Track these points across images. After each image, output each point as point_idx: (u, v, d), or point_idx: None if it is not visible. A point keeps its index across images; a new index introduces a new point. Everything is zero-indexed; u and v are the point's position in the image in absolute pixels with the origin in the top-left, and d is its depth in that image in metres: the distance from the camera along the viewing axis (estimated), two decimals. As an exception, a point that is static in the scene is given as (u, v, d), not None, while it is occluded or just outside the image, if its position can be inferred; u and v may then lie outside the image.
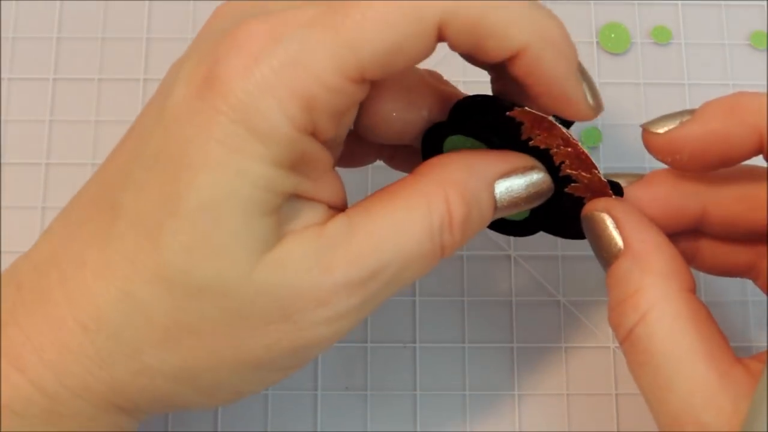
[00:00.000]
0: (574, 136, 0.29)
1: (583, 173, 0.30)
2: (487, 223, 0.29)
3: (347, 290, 0.27)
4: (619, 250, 0.28)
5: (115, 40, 0.41)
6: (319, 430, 0.36)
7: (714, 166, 0.29)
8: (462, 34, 0.26)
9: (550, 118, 0.29)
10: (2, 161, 0.39)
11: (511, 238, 0.38)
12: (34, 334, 0.27)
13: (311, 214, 0.27)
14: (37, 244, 0.29)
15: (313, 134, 0.26)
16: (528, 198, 0.30)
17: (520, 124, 0.29)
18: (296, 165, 0.26)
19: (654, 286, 0.27)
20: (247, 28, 0.26)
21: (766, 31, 0.41)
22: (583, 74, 0.29)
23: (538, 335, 0.37)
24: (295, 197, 0.27)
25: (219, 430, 0.36)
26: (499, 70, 0.29)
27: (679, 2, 0.42)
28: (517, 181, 0.29)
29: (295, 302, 0.26)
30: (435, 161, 0.29)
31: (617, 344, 0.37)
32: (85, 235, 0.27)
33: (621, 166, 0.39)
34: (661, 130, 0.28)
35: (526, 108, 0.29)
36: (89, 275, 0.27)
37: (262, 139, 0.25)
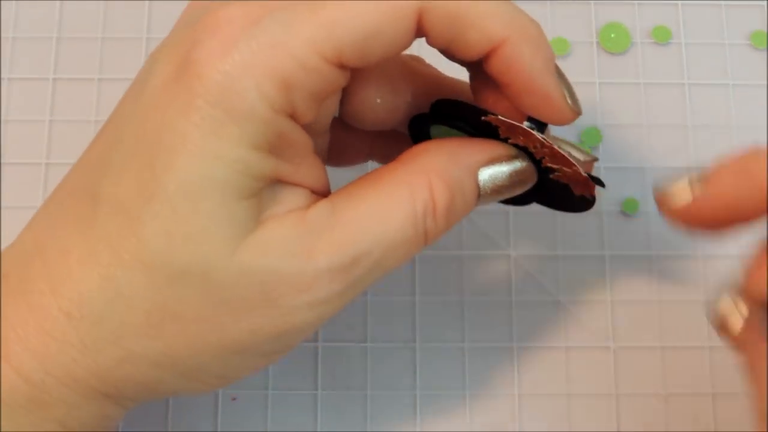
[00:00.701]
0: (549, 140, 0.29)
1: (564, 168, 0.30)
2: (471, 210, 0.29)
3: (329, 276, 0.27)
4: None
5: (115, 40, 0.41)
6: (319, 430, 0.36)
7: (721, 227, 0.27)
8: (441, 25, 0.26)
9: (525, 124, 0.29)
10: (2, 161, 0.39)
11: (511, 238, 0.38)
12: (18, 323, 0.27)
13: (293, 198, 0.27)
14: (21, 234, 0.29)
15: (292, 116, 0.26)
16: (511, 186, 0.29)
17: (496, 127, 0.29)
18: (275, 148, 0.26)
19: None
20: (225, 12, 0.26)
21: (766, 31, 0.41)
22: (561, 76, 0.29)
23: (538, 335, 0.37)
24: (276, 181, 0.27)
25: (219, 430, 0.36)
26: (476, 68, 0.29)
27: (679, 2, 0.42)
28: (500, 169, 0.29)
29: (277, 287, 0.27)
30: (419, 149, 0.29)
31: (617, 344, 0.37)
32: (68, 224, 0.27)
33: (621, 166, 0.39)
34: (678, 200, 0.27)
35: (500, 116, 0.29)
36: (73, 263, 0.27)
37: (239, 121, 0.25)
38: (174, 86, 0.26)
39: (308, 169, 0.28)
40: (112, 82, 0.40)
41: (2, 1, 0.41)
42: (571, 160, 0.29)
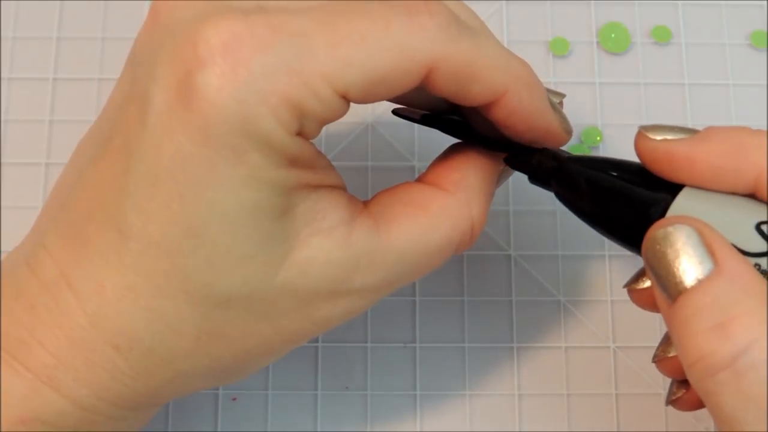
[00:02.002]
0: None
1: None
2: None
3: (360, 294, 0.28)
4: (710, 269, 0.26)
5: (114, 40, 0.41)
6: (319, 430, 0.36)
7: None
8: (449, 79, 0.27)
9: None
10: (2, 161, 0.39)
11: (511, 238, 0.38)
12: (64, 356, 0.27)
13: (331, 210, 0.28)
14: (38, 255, 0.28)
15: (300, 134, 0.26)
16: (507, 178, 0.33)
17: None
18: (293, 163, 0.26)
19: (760, 309, 0.25)
20: (228, 29, 0.25)
21: (766, 31, 0.41)
22: (554, 107, 0.30)
23: (538, 335, 0.37)
24: (308, 189, 0.27)
25: (219, 430, 0.36)
26: (469, 109, 0.30)
27: (679, 2, 0.42)
28: (506, 169, 0.32)
29: (312, 302, 0.28)
30: (457, 176, 0.30)
31: (617, 344, 0.37)
32: (94, 256, 0.27)
33: (621, 166, 0.39)
34: (658, 137, 0.28)
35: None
36: (111, 297, 0.27)
37: (260, 147, 0.25)
38: (183, 112, 0.25)
39: (324, 170, 0.28)
40: (112, 82, 0.40)
41: (2, 1, 0.41)
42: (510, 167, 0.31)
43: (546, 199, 0.38)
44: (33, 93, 0.40)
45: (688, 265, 0.26)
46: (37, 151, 0.39)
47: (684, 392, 0.29)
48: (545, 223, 0.38)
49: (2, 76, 0.40)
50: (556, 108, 0.30)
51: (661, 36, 0.41)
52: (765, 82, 0.40)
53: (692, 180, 0.27)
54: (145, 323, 0.27)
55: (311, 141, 0.27)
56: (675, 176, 0.28)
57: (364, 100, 0.27)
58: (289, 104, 0.25)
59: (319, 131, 0.27)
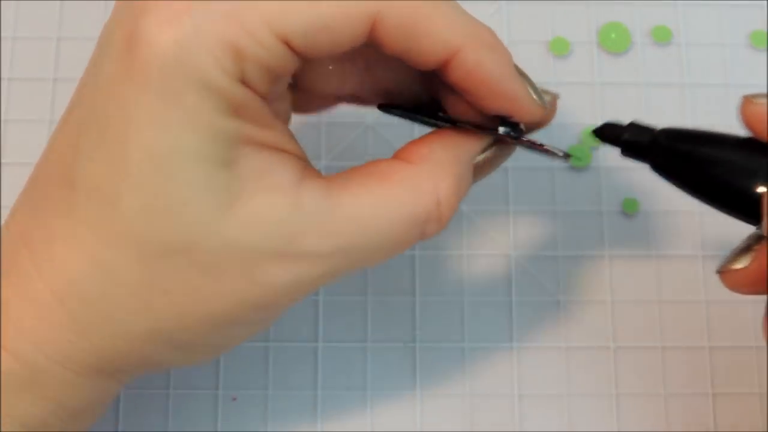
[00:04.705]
0: (526, 139, 0.30)
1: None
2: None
3: (311, 260, 0.27)
4: None
5: (115, 40, 0.41)
6: (319, 430, 0.36)
7: None
8: (395, 32, 0.27)
9: (501, 130, 0.30)
10: (2, 161, 0.39)
11: (511, 238, 0.38)
12: (12, 308, 0.27)
13: (281, 168, 0.27)
14: (5, 224, 0.29)
15: (245, 84, 0.26)
16: (496, 165, 0.31)
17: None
18: (236, 111, 0.26)
19: None
20: None
21: (766, 31, 0.41)
22: (522, 74, 0.29)
23: (538, 335, 0.37)
24: (257, 146, 0.27)
25: (219, 430, 0.36)
26: (430, 79, 0.29)
27: (679, 2, 0.42)
28: (489, 153, 0.30)
29: (257, 262, 0.27)
30: (424, 150, 0.29)
31: (617, 344, 0.37)
32: (48, 211, 0.28)
33: (621, 166, 0.39)
34: (737, 266, 0.28)
35: (460, 122, 0.30)
36: (58, 247, 0.27)
37: (198, 89, 0.25)
38: (127, 59, 0.26)
39: (277, 133, 0.28)
40: (112, 82, 0.40)
41: (2, 1, 0.41)
42: (547, 147, 0.31)
43: (546, 199, 0.39)
44: (33, 93, 0.40)
45: None
46: (37, 151, 0.39)
47: (749, 263, 0.28)
48: (545, 223, 0.38)
49: (2, 76, 0.40)
50: (525, 75, 0.29)
51: (661, 36, 0.41)
52: (765, 82, 0.40)
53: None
54: (87, 274, 0.27)
55: (261, 97, 0.27)
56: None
57: (307, 50, 0.27)
58: (227, 47, 0.25)
59: (265, 83, 0.27)
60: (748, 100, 0.28)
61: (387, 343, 0.37)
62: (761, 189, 0.27)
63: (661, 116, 0.40)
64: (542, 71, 0.40)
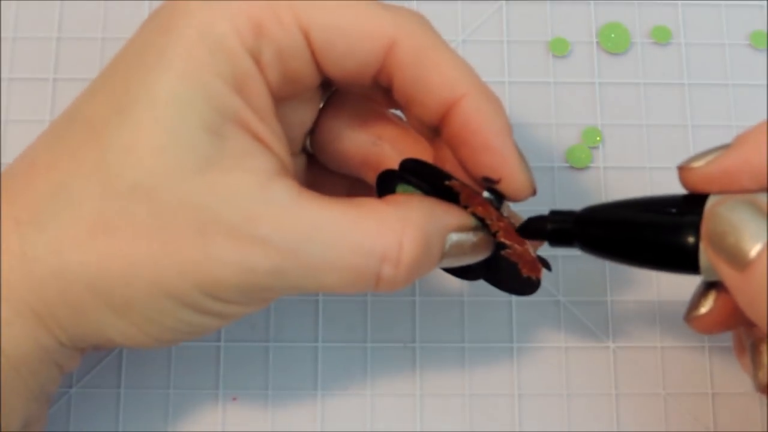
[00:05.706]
0: (505, 215, 0.30)
1: (516, 245, 0.31)
2: (431, 270, 0.30)
3: (261, 248, 0.27)
4: None
5: (114, 40, 0.41)
6: (319, 430, 0.36)
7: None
8: (409, 60, 0.28)
9: (484, 194, 0.30)
10: (2, 161, 0.39)
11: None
12: None
13: (263, 159, 0.28)
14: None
15: (256, 61, 0.27)
16: (472, 254, 0.30)
17: (457, 193, 0.30)
18: (240, 88, 0.27)
19: None
20: None
21: (766, 31, 0.41)
22: (517, 147, 0.30)
23: (538, 335, 0.37)
24: (246, 131, 0.28)
25: (219, 430, 0.36)
26: (431, 134, 0.30)
27: (679, 2, 0.42)
28: (466, 237, 0.30)
29: (210, 231, 0.27)
30: (405, 197, 0.30)
31: (617, 344, 0.37)
32: (41, 142, 0.29)
33: (621, 165, 0.39)
34: (696, 164, 0.28)
35: (463, 182, 0.30)
36: (35, 173, 0.28)
37: (211, 48, 0.27)
38: (158, 11, 0.28)
39: (272, 131, 0.28)
40: (112, 82, 0.40)
41: (2, 1, 0.41)
42: (523, 238, 0.30)
43: (546, 199, 0.38)
44: (33, 93, 0.40)
45: (756, 230, 0.26)
46: (37, 151, 0.39)
47: (711, 306, 0.28)
48: (545, 223, 0.38)
49: (2, 76, 0.40)
50: (517, 147, 0.29)
51: (661, 36, 0.41)
52: (765, 82, 0.40)
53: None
54: (49, 197, 0.27)
55: (268, 86, 0.28)
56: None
57: (323, 52, 0.28)
58: (250, 19, 0.27)
59: (276, 70, 0.28)
60: (685, 169, 0.28)
61: (387, 343, 0.37)
62: (691, 239, 0.27)
63: (661, 116, 0.40)
64: (542, 71, 0.40)
